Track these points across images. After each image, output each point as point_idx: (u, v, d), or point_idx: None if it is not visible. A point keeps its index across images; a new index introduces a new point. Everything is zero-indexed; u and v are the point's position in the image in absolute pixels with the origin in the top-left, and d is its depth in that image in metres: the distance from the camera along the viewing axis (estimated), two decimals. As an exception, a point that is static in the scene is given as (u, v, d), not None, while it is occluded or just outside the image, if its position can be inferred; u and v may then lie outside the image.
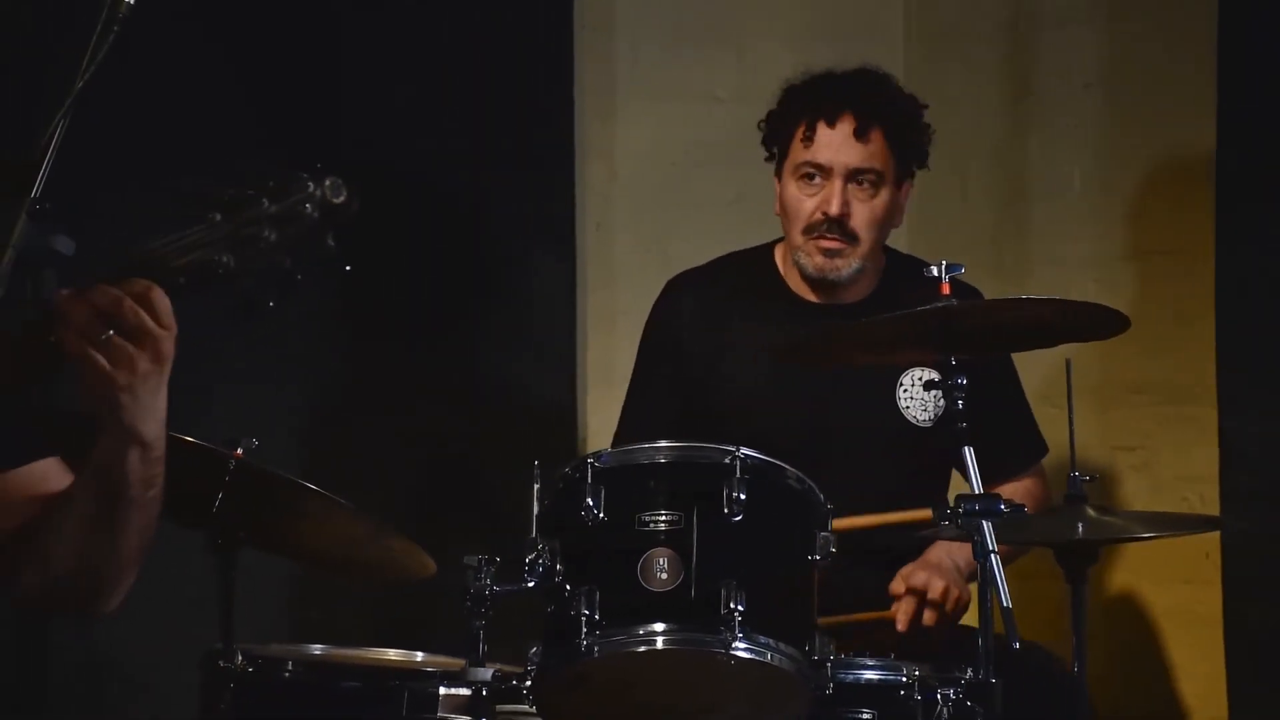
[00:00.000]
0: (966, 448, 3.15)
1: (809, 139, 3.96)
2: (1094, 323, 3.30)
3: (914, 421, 3.99)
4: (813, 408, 3.97)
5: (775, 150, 4.09)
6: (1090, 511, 3.25)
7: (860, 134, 3.95)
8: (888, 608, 3.76)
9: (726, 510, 3.03)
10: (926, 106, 4.17)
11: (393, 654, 3.68)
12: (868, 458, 3.95)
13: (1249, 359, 4.40)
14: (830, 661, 3.06)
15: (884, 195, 3.99)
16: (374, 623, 4.56)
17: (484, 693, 3.05)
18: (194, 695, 3.55)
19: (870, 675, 3.22)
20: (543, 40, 5.04)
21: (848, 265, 3.98)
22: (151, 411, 2.30)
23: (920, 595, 3.72)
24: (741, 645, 2.97)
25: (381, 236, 4.60)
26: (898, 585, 3.76)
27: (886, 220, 4.03)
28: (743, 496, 3.02)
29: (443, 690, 3.15)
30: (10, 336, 2.33)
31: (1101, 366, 4.72)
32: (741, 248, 4.35)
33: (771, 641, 3.00)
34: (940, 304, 3.13)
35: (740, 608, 2.95)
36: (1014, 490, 4.01)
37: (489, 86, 4.92)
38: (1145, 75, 4.88)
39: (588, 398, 5.16)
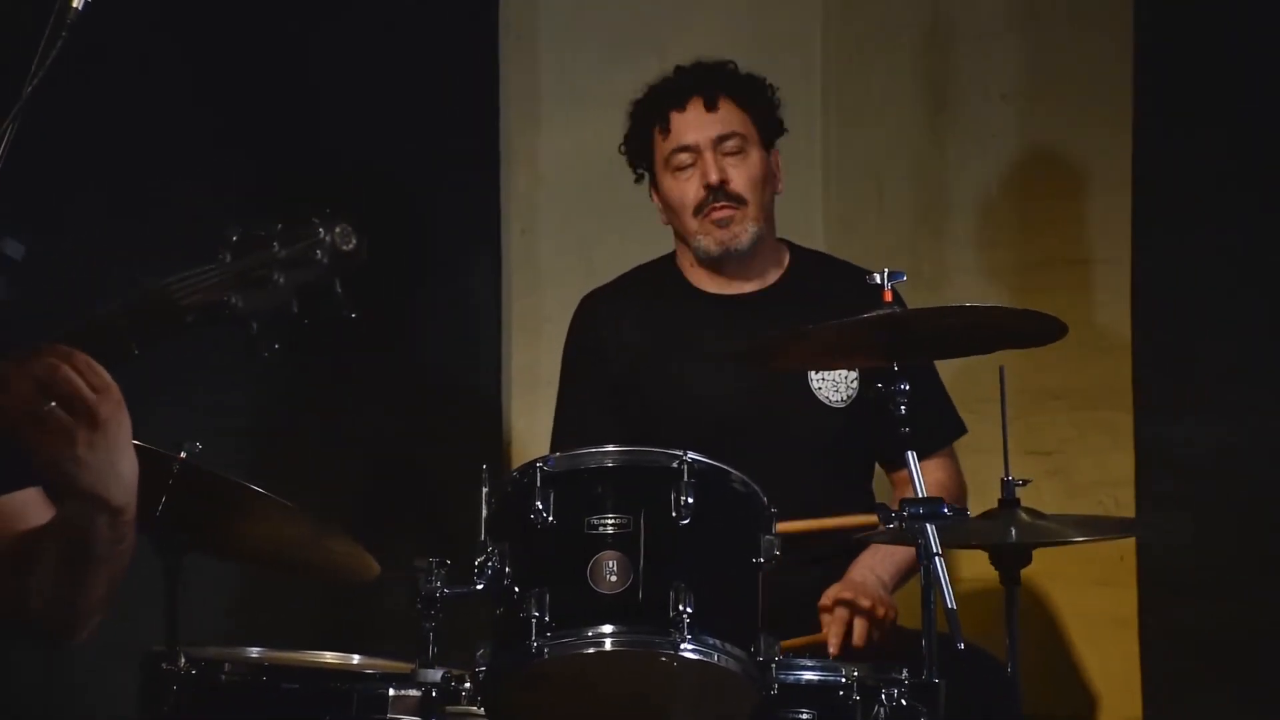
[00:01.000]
0: (910, 452, 3.21)
1: (665, 130, 4.11)
2: (1032, 329, 3.37)
3: (828, 403, 4.07)
4: (730, 399, 4.04)
5: (643, 167, 4.22)
6: (1023, 515, 3.32)
7: (710, 106, 4.09)
8: (817, 628, 3.79)
9: (674, 514, 3.08)
10: (767, 81, 4.28)
11: (330, 656, 3.70)
12: (787, 443, 4.02)
13: (1165, 365, 4.49)
14: (775, 662, 3.11)
15: (755, 156, 4.11)
16: (316, 625, 4.59)
17: (434, 694, 3.07)
18: (133, 697, 3.57)
19: (810, 676, 3.28)
20: (468, 46, 5.08)
21: (744, 230, 4.10)
22: (112, 475, 2.28)
23: (849, 616, 3.76)
24: (690, 646, 3.02)
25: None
26: (826, 608, 3.80)
27: (765, 181, 4.15)
28: (690, 500, 3.07)
29: (392, 692, 3.15)
30: None
31: (1018, 373, 4.79)
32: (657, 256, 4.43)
33: (719, 643, 3.05)
34: (884, 311, 3.19)
35: (689, 610, 3.00)
36: (930, 468, 4.07)
37: (415, 92, 4.95)
38: (1062, 86, 4.98)
39: (513, 401, 5.19)
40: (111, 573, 2.40)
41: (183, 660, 3.35)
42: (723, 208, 4.08)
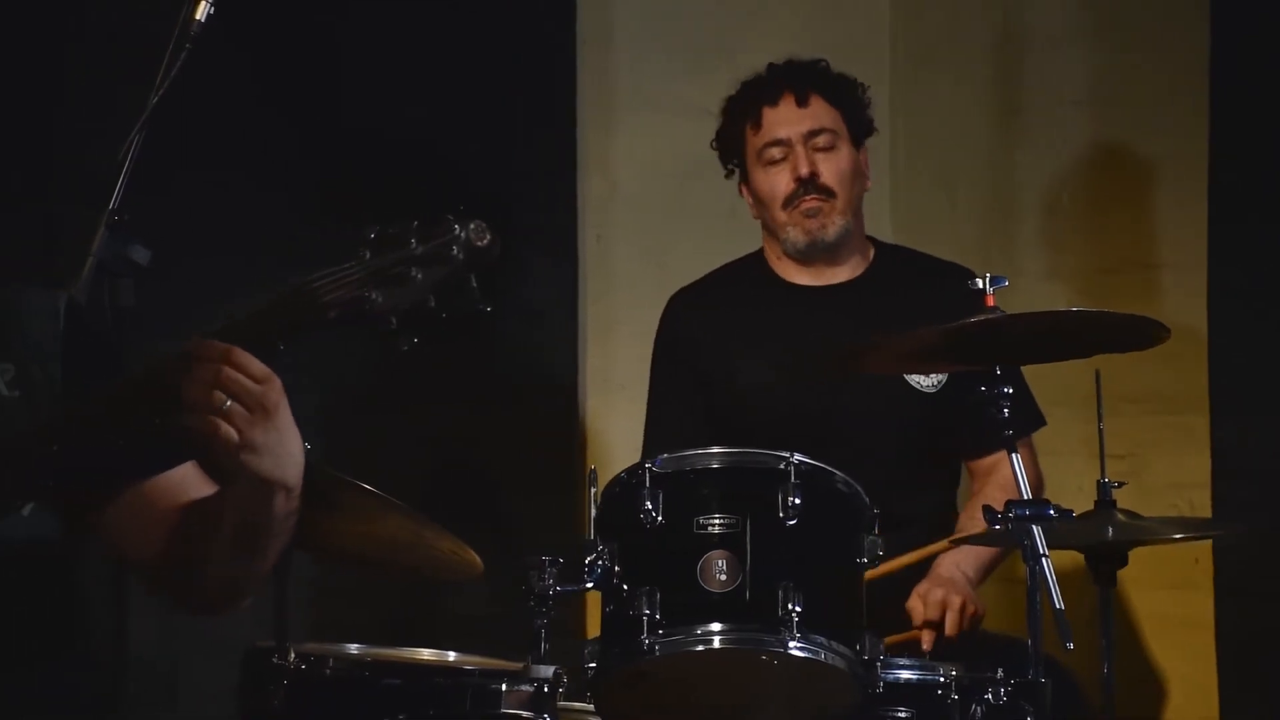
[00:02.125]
0: (1013, 454, 3.25)
1: (758, 124, 4.18)
2: (1133, 333, 3.41)
3: (919, 387, 4.12)
4: (823, 388, 4.08)
5: (735, 162, 4.29)
6: (1119, 515, 3.35)
7: (802, 102, 4.18)
8: (907, 627, 3.84)
9: (781, 514, 3.13)
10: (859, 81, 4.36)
11: (426, 653, 3.76)
12: (878, 429, 4.08)
13: (1242, 368, 4.53)
14: (880, 661, 3.15)
15: (845, 151, 4.20)
16: (386, 622, 4.65)
17: (545, 689, 3.12)
18: (227, 694, 3.63)
19: (908, 675, 3.32)
20: (546, 54, 5.13)
21: (833, 223, 4.17)
22: (285, 456, 2.39)
23: (940, 613, 3.81)
24: (799, 645, 3.06)
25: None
26: (915, 604, 3.85)
27: (854, 176, 4.23)
28: (797, 501, 3.12)
29: (505, 687, 3.21)
30: (131, 383, 2.39)
31: (1089, 377, 4.83)
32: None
33: (826, 641, 3.10)
34: (987, 315, 3.23)
35: (797, 609, 3.05)
36: (1002, 478, 4.10)
37: (495, 99, 5.01)
38: (1134, 90, 5.00)
39: (587, 404, 5.24)
40: (280, 545, 2.50)
41: (292, 656, 3.40)
42: (812, 199, 4.15)
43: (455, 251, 2.30)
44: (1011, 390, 3.39)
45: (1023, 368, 3.79)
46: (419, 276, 2.29)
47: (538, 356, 5.17)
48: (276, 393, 2.35)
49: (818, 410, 4.06)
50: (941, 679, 3.30)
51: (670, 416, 4.24)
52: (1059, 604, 3.08)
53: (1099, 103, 5.08)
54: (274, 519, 2.45)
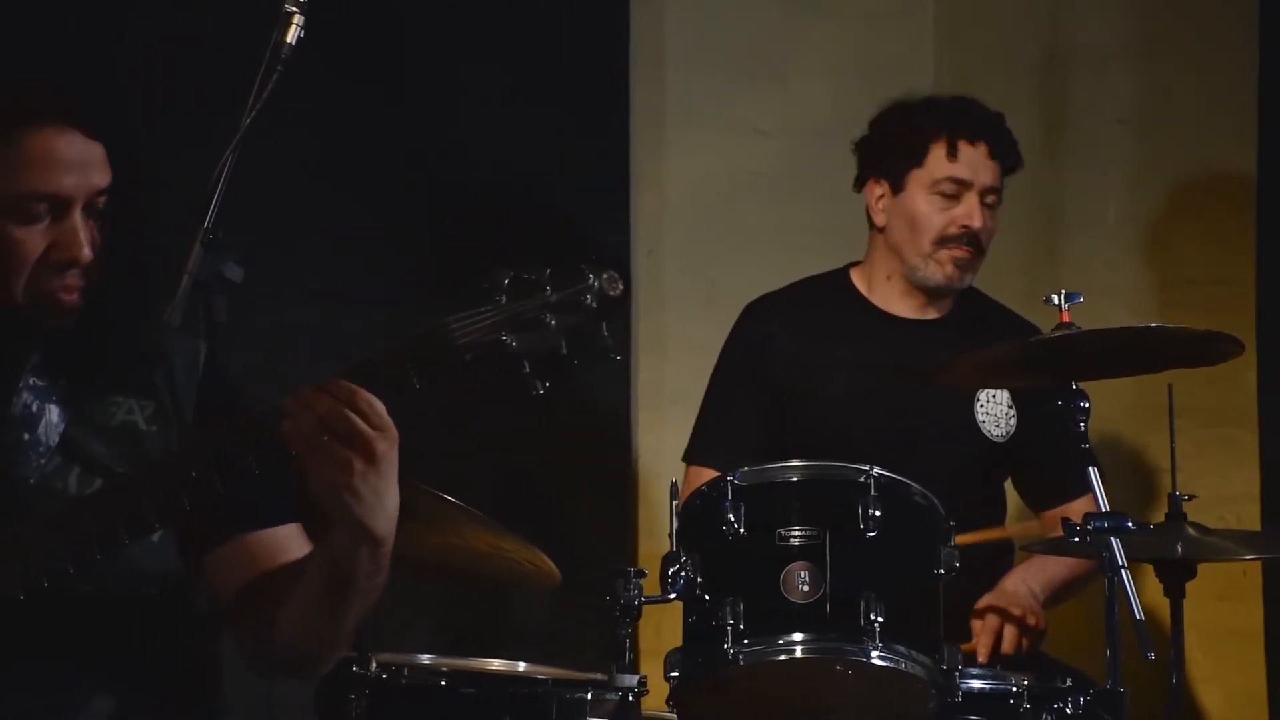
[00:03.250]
0: (1092, 468, 3.32)
1: (953, 154, 4.09)
2: (1208, 349, 3.46)
3: (989, 436, 4.15)
4: (898, 421, 4.10)
5: (887, 169, 4.19)
6: (1190, 530, 3.41)
7: (993, 154, 4.12)
8: (966, 637, 3.87)
9: (862, 526, 3.20)
10: None
11: (496, 664, 3.81)
12: (945, 470, 4.04)
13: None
14: (958, 671, 3.21)
15: (998, 216, 4.20)
16: (445, 631, 4.70)
17: (631, 698, 3.18)
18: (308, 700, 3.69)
19: (980, 684, 3.38)
20: (601, 76, 5.19)
21: (969, 277, 4.18)
22: (379, 509, 2.41)
23: (1000, 625, 3.85)
24: (880, 654, 3.13)
25: (448, 261, 4.82)
26: (978, 615, 3.89)
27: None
28: (876, 513, 3.19)
29: (590, 696, 3.27)
30: (249, 422, 2.45)
31: (1138, 391, 4.89)
32: (807, 274, 4.48)
33: (907, 650, 3.17)
34: (1063, 331, 3.29)
35: (880, 619, 3.12)
36: (1076, 510, 4.15)
37: (551, 119, 5.07)
38: (1181, 110, 5.05)
39: (639, 417, 5.30)
40: (364, 605, 2.53)
41: (374, 665, 3.45)
42: (966, 251, 4.12)
43: (589, 300, 2.37)
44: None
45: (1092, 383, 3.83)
46: (553, 323, 2.36)
47: (590, 372, 5.21)
48: (387, 443, 2.39)
49: (891, 440, 4.07)
50: (1014, 689, 3.36)
51: (728, 420, 4.23)
52: (1140, 615, 3.13)
53: (1145, 121, 5.13)
54: (359, 572, 2.47)
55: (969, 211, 4.09)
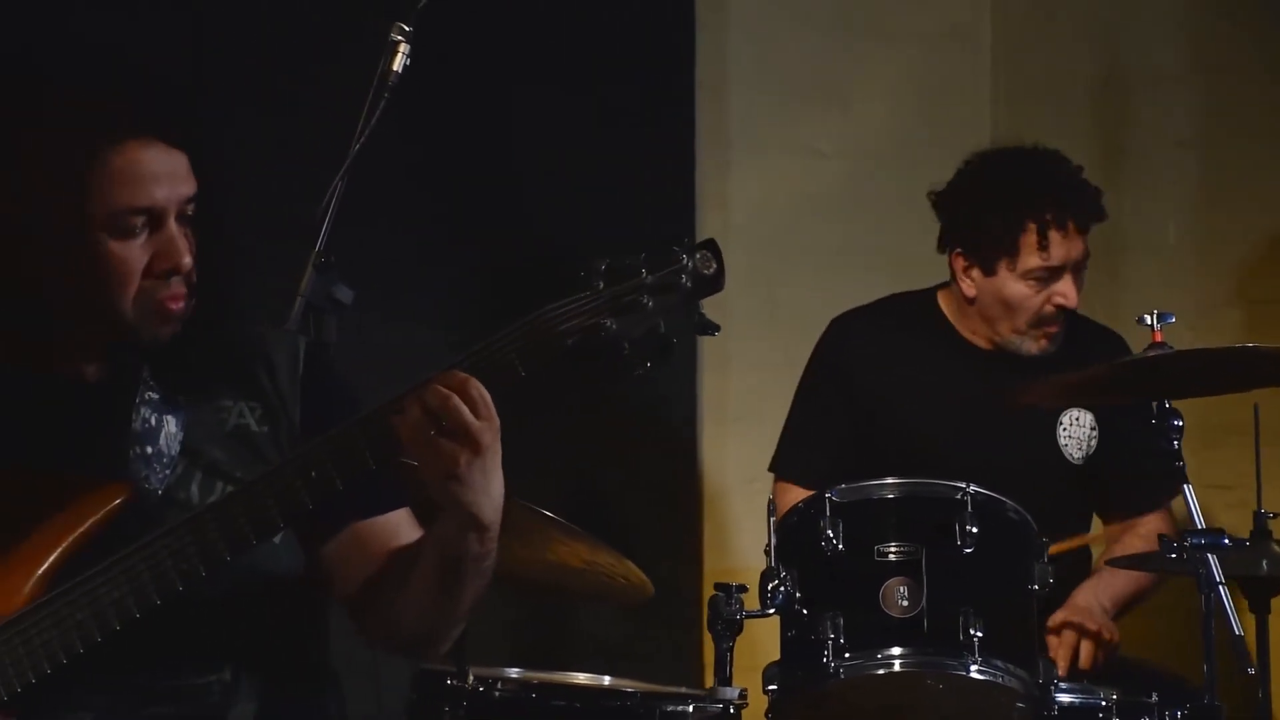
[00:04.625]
0: (1186, 484, 3.38)
1: (1044, 245, 4.07)
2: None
3: (1070, 459, 4.20)
4: (981, 444, 4.14)
5: (980, 251, 4.17)
6: (1276, 548, 3.46)
7: (1082, 229, 4.12)
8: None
9: (959, 542, 3.26)
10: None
11: (581, 677, 3.86)
12: (1026, 492, 4.10)
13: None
14: (1054, 685, 3.27)
15: (1085, 272, 4.17)
16: (514, 642, 4.76)
17: (732, 711, 3.24)
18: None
19: (1068, 699, 3.43)
20: (668, 100, 5.27)
21: (1060, 337, 4.19)
22: (485, 495, 2.48)
23: (1076, 640, 3.92)
24: (979, 668, 3.19)
25: (521, 286, 4.88)
26: (1053, 630, 3.94)
27: None
28: (973, 529, 3.25)
29: (692, 708, 3.33)
30: (365, 421, 2.50)
31: (1198, 409, 4.93)
32: (865, 291, 4.54)
33: (1005, 665, 3.22)
34: (1156, 350, 3.35)
35: (979, 633, 3.18)
36: (1148, 524, 4.22)
37: (620, 143, 5.14)
38: (1241, 130, 5.08)
39: (704, 434, 5.36)
40: (476, 588, 2.60)
41: (471, 678, 3.51)
42: (1059, 325, 4.15)
43: (684, 280, 2.45)
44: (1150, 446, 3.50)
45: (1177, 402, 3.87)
46: (650, 304, 2.43)
47: (656, 388, 5.29)
48: (492, 434, 2.44)
49: (973, 464, 4.06)
50: (1102, 703, 3.41)
51: (814, 435, 4.28)
52: (1239, 630, 3.19)
53: (1206, 143, 5.18)
54: (468, 558, 2.54)
55: (1064, 292, 4.10)
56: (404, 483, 2.67)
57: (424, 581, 2.60)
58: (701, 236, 5.25)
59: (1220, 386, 3.61)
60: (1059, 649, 3.91)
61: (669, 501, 5.21)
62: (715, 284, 2.49)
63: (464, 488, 2.45)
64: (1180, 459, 3.41)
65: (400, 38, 3.27)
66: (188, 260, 2.59)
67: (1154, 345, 3.41)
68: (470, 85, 4.93)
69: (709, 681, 4.93)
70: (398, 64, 3.27)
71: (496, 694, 3.61)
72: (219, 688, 2.58)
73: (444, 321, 4.78)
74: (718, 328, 2.50)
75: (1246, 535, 4.84)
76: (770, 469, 4.34)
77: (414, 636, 2.70)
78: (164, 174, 2.57)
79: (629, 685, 3.74)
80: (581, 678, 3.86)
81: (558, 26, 5.05)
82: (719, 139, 5.41)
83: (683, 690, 3.50)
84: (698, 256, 2.47)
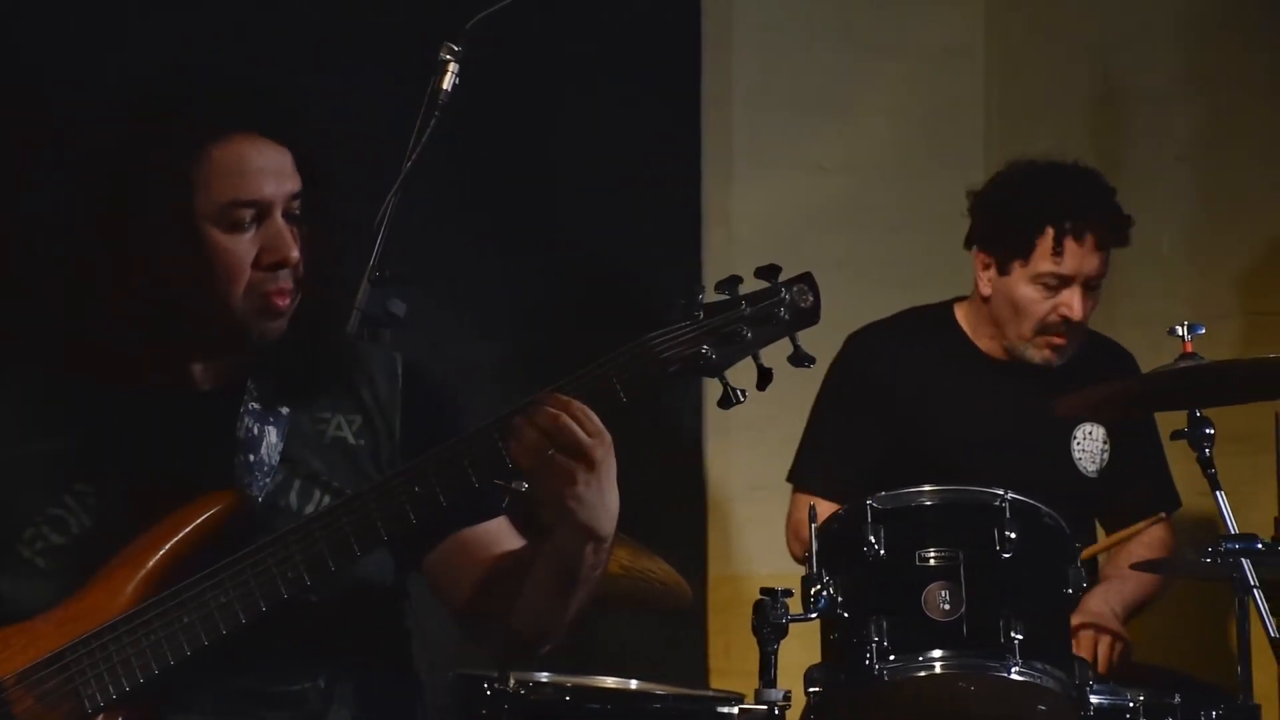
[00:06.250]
0: (1218, 491, 3.46)
1: (1059, 250, 4.12)
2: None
3: (1084, 472, 4.28)
4: (997, 456, 4.19)
5: (996, 247, 4.23)
6: (1299, 553, 3.54)
7: (1101, 245, 4.16)
8: None
9: (998, 547, 3.34)
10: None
11: (609, 681, 3.91)
12: (1045, 502, 4.19)
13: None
14: (1089, 686, 3.35)
15: (1100, 290, 4.25)
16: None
17: (776, 712, 3.30)
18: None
19: (1097, 700, 3.50)
20: (673, 115, 5.34)
21: (1069, 354, 4.25)
22: (602, 509, 2.55)
23: (1094, 643, 4.00)
24: (1020, 670, 3.27)
25: (531, 299, 4.95)
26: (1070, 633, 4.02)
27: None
28: (1011, 535, 3.33)
29: (738, 709, 3.39)
30: (470, 440, 2.57)
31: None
32: (870, 306, 4.59)
33: (1045, 667, 3.31)
34: (1188, 361, 3.43)
35: (1019, 637, 3.26)
36: (1152, 532, 4.30)
37: (626, 158, 5.19)
38: (1239, 145, 5.14)
39: (708, 446, 5.43)
40: (586, 595, 2.68)
41: (512, 682, 3.56)
42: (1064, 338, 4.19)
43: (782, 312, 2.54)
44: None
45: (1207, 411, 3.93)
46: (749, 335, 2.52)
47: (662, 397, 5.34)
48: (604, 449, 2.52)
49: (1000, 475, 4.15)
50: (1130, 704, 3.49)
51: (832, 447, 4.33)
52: (1274, 633, 3.27)
53: (1202, 157, 5.24)
54: (583, 568, 2.61)
55: (1069, 302, 4.14)
56: (500, 493, 2.73)
57: (539, 588, 2.66)
58: (706, 250, 5.46)
59: (1245, 396, 3.68)
60: (1077, 651, 3.98)
61: (676, 511, 5.27)
62: (812, 317, 2.58)
63: (581, 505, 2.53)
64: (1212, 466, 3.48)
65: (449, 57, 3.32)
66: (295, 253, 2.63)
67: (1185, 356, 3.49)
68: (494, 103, 4.99)
69: (711, 683, 5.04)
70: (447, 83, 3.33)
71: (533, 698, 3.65)
72: (314, 694, 2.63)
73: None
74: (813, 360, 2.56)
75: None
76: (789, 479, 4.40)
77: (526, 639, 2.77)
78: (270, 169, 2.63)
79: (659, 689, 3.79)
80: (609, 681, 3.91)
81: (562, 42, 5.12)
82: (723, 154, 5.47)
83: (723, 692, 3.55)
84: (795, 289, 2.56)
